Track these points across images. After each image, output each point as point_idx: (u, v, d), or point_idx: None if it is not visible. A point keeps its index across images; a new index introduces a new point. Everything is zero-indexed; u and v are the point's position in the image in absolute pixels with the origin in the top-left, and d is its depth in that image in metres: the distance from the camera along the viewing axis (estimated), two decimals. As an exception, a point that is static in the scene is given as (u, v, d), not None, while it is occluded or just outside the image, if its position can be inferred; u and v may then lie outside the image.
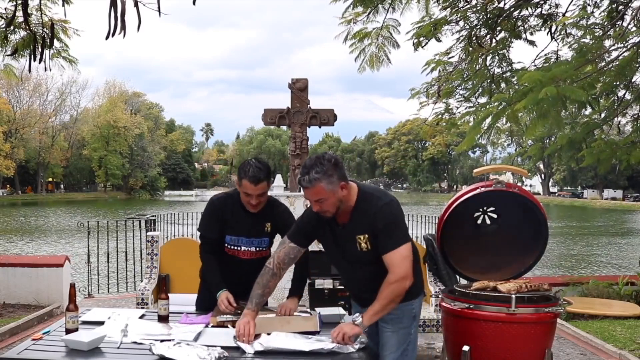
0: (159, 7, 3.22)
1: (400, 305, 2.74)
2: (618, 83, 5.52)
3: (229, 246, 3.25)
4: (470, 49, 6.08)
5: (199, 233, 3.36)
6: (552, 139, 6.99)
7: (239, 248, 3.24)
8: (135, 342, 2.61)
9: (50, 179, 67.75)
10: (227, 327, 2.87)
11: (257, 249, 3.27)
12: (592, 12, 5.77)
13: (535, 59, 5.96)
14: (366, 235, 2.66)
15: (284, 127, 7.61)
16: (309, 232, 2.85)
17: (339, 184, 2.60)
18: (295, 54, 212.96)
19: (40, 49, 4.80)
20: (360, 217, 2.66)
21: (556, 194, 73.72)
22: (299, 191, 6.40)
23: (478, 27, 6.05)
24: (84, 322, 2.90)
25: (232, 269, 3.23)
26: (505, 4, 5.91)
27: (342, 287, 4.76)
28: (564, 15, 5.86)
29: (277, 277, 2.82)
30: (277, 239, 3.22)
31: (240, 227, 3.21)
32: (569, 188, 74.36)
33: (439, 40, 6.07)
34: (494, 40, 6.17)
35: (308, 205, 6.09)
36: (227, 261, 3.25)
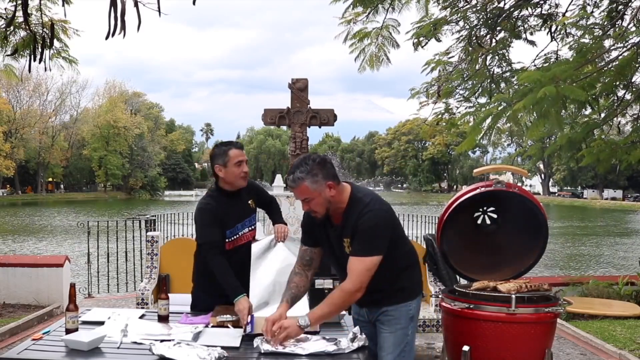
0: (159, 7, 3.22)
1: (398, 306, 2.75)
2: (618, 83, 5.52)
3: (230, 239, 3.26)
4: (470, 49, 6.09)
5: (200, 241, 3.27)
6: (552, 138, 6.98)
7: (237, 236, 3.30)
8: (135, 342, 2.61)
9: (50, 179, 67.75)
10: (227, 327, 2.87)
11: (250, 228, 3.38)
12: (592, 12, 5.78)
13: (535, 59, 5.97)
14: (349, 239, 2.66)
15: (284, 127, 7.61)
16: (310, 232, 2.87)
17: (324, 184, 2.60)
18: (296, 54, 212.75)
19: (40, 49, 4.80)
20: (348, 220, 2.66)
21: (556, 194, 73.67)
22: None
23: (478, 27, 6.05)
24: (84, 322, 2.90)
25: (235, 261, 3.23)
26: (505, 4, 5.91)
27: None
28: (564, 15, 5.87)
29: (303, 275, 2.84)
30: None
31: (233, 217, 3.28)
32: (569, 188, 74.31)
33: (438, 40, 6.08)
34: (494, 40, 6.17)
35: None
36: (230, 256, 3.25)
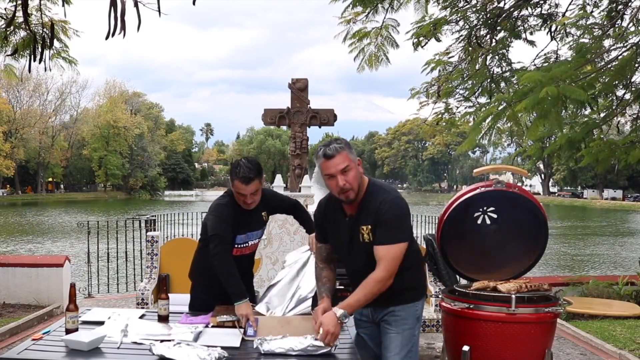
0: (159, 7, 3.22)
1: (405, 306, 2.76)
2: (617, 83, 5.52)
3: (238, 246, 3.23)
4: (470, 49, 6.09)
5: (212, 232, 3.13)
6: (552, 138, 6.99)
7: (246, 244, 3.28)
8: (135, 342, 2.61)
9: (50, 179, 67.75)
10: (227, 327, 2.87)
11: (258, 239, 3.40)
12: (592, 12, 5.79)
13: (535, 59, 5.98)
14: (369, 227, 2.68)
15: (284, 127, 7.61)
16: (322, 227, 2.91)
17: (356, 159, 2.69)
18: (298, 54, 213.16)
19: (40, 49, 4.81)
20: (366, 208, 2.69)
21: (556, 194, 73.68)
22: (299, 191, 6.41)
23: (478, 27, 6.05)
24: (84, 322, 2.90)
25: (239, 269, 3.22)
26: (505, 4, 5.92)
27: (342, 287, 4.75)
28: (563, 15, 5.88)
29: (328, 269, 2.91)
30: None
31: (247, 224, 3.24)
32: (569, 188, 74.28)
33: (438, 40, 6.09)
34: (493, 40, 6.18)
35: (308, 205, 6.08)
36: (235, 262, 3.23)
